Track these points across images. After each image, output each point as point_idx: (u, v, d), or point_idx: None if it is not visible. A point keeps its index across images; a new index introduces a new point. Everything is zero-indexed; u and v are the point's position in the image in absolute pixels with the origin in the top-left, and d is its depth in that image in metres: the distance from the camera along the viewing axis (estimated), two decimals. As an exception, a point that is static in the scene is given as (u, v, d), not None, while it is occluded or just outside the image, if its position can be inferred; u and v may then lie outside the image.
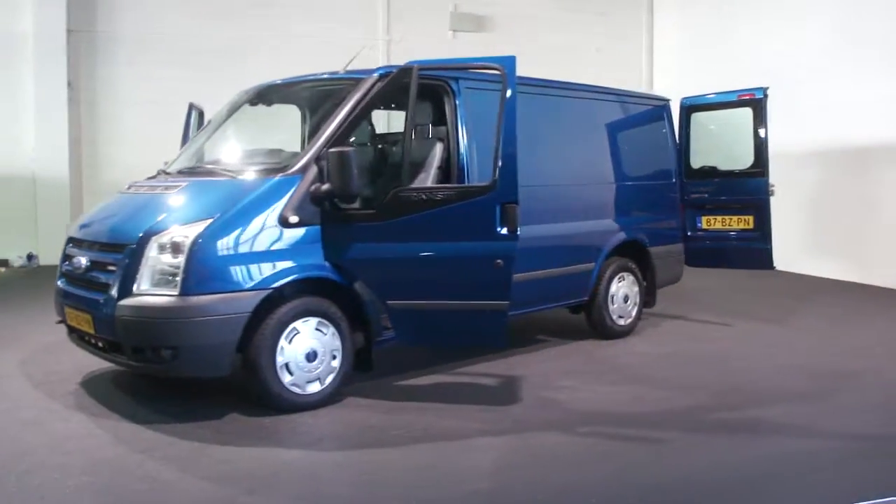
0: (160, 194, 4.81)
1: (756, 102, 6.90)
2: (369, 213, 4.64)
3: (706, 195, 7.30)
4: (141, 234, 4.37)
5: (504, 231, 4.49)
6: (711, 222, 7.30)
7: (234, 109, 5.72)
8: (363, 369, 4.94)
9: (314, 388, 4.62)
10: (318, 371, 4.61)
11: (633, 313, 6.80)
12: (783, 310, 8.00)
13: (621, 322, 6.69)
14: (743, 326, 7.24)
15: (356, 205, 4.66)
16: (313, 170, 4.58)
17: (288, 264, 4.48)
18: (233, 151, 5.39)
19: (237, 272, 4.34)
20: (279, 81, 5.69)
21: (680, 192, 7.32)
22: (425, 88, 5.26)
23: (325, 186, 4.53)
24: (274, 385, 4.46)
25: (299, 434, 4.27)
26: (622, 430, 4.33)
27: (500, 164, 4.43)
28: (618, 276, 6.63)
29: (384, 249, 4.63)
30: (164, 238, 4.30)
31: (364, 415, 4.57)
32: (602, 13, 14.38)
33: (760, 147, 6.91)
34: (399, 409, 4.70)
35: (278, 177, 4.58)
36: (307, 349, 4.56)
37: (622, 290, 6.66)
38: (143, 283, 4.30)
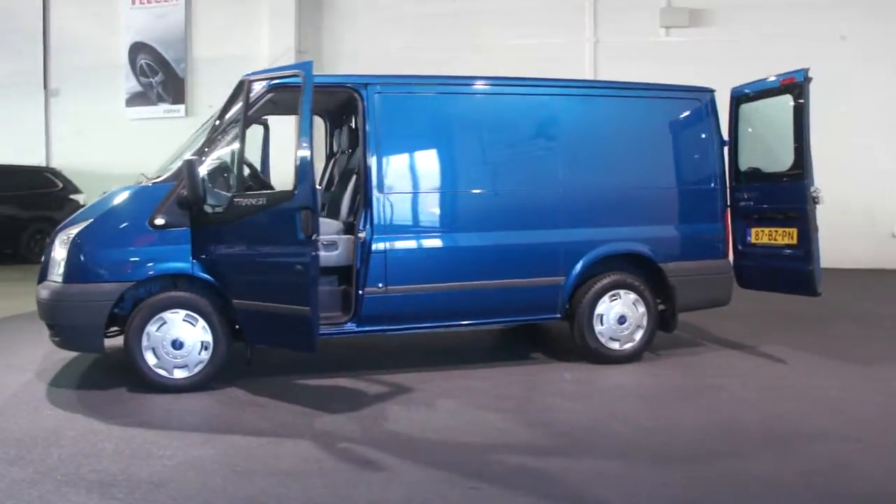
0: (98, 198, 5.68)
1: (796, 88, 5.57)
2: (215, 217, 4.96)
3: (752, 203, 6.08)
4: (55, 232, 5.29)
5: (302, 237, 4.51)
6: (759, 235, 6.05)
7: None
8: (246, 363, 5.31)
9: (181, 373, 5.08)
10: (184, 359, 5.07)
11: (637, 337, 5.94)
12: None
13: (614, 346, 5.91)
14: (798, 364, 5.92)
15: (212, 210, 5.01)
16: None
17: (151, 261, 5.03)
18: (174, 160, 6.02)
19: (104, 266, 4.99)
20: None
21: (727, 199, 6.21)
22: (340, 97, 5.41)
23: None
24: (141, 365, 5.03)
25: (135, 410, 4.77)
26: (374, 452, 4.03)
27: (297, 169, 4.47)
28: (610, 294, 5.89)
29: (226, 251, 4.96)
30: (63, 235, 5.15)
31: (213, 404, 4.92)
32: (840, -6, 12.15)
33: (800, 144, 5.56)
34: (249, 403, 4.93)
35: (151, 183, 5.15)
36: (173, 338, 5.06)
37: (615, 309, 5.89)
38: (51, 272, 5.20)
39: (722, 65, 11.37)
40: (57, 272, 5.07)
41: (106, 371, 5.69)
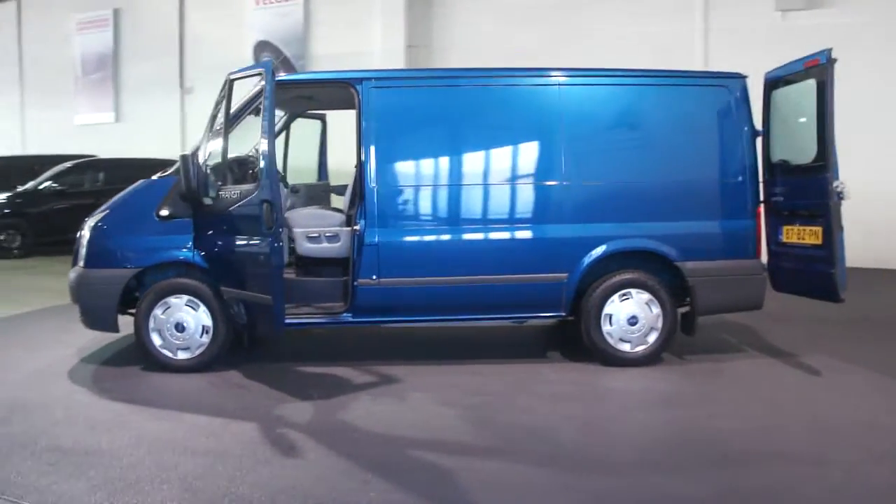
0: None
1: (820, 71, 5.01)
2: (208, 209, 5.25)
3: (782, 198, 5.55)
4: (85, 219, 5.83)
5: (264, 228, 4.69)
6: (789, 234, 5.51)
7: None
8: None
9: (184, 355, 5.44)
10: (186, 341, 5.42)
11: (651, 340, 5.61)
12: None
13: (625, 348, 5.62)
14: (830, 378, 5.34)
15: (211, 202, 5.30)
16: (190, 171, 5.39)
17: (156, 249, 5.41)
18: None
19: (114, 253, 5.45)
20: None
21: (760, 194, 5.70)
22: (340, 92, 5.56)
23: None
24: (148, 345, 5.44)
25: (130, 387, 5.19)
26: (306, 439, 4.16)
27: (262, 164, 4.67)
28: (621, 293, 5.61)
29: (213, 241, 5.25)
30: (89, 223, 5.67)
31: (202, 385, 5.22)
32: None
33: (823, 133, 5.00)
34: (236, 386, 5.21)
35: (157, 177, 5.55)
36: (176, 321, 5.43)
37: (626, 309, 5.60)
38: (79, 257, 5.73)
39: (842, 50, 10.32)
40: (81, 257, 5.60)
41: (134, 352, 6.19)
